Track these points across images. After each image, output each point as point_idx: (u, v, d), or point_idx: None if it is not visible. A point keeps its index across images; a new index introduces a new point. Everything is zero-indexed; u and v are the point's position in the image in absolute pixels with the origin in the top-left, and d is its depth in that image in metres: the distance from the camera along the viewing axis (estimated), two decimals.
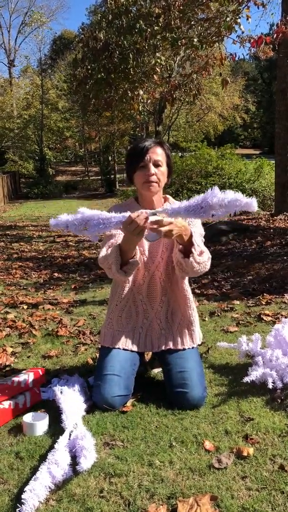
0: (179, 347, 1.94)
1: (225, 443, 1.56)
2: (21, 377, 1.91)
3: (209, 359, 2.32)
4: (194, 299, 2.05)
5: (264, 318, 2.96)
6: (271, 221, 7.68)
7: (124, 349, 1.93)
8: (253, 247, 5.81)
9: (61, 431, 1.61)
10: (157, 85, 7.75)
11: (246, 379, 1.93)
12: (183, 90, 7.43)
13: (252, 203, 1.50)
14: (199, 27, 6.18)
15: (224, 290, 3.80)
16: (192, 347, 1.96)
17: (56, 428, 1.67)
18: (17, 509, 1.27)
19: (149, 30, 6.27)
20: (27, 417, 1.70)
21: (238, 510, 1.25)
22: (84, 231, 1.70)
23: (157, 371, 2.15)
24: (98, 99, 8.25)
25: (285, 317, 2.83)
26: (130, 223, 1.64)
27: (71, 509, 1.28)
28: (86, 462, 1.41)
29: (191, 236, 1.74)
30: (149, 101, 7.94)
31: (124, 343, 1.95)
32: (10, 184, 22.09)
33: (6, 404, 1.78)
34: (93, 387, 1.88)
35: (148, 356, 2.14)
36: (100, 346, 2.05)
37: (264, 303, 3.31)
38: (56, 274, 5.04)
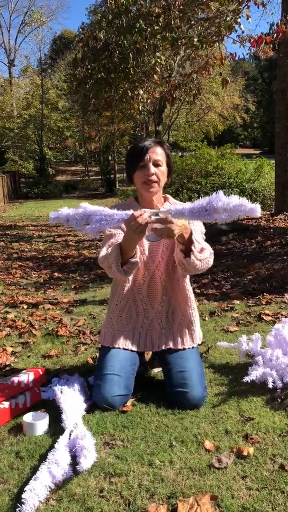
0: (179, 346, 1.94)
1: (225, 443, 1.56)
2: (21, 377, 1.91)
3: (209, 358, 2.32)
4: (194, 298, 2.05)
5: (264, 317, 2.96)
6: (271, 221, 7.68)
7: (124, 349, 1.93)
8: (253, 246, 5.81)
9: (61, 430, 1.61)
10: (157, 84, 7.75)
11: (246, 378, 1.93)
12: (183, 89, 7.43)
13: (256, 209, 1.50)
14: (199, 27, 6.18)
15: (224, 290, 3.80)
16: (192, 347, 1.96)
17: (56, 428, 1.67)
18: (17, 509, 1.27)
19: (149, 29, 6.27)
20: (27, 417, 1.70)
21: (238, 509, 1.25)
22: (85, 226, 1.67)
23: (157, 370, 2.15)
24: (98, 98, 8.25)
25: (285, 317, 2.83)
26: (132, 221, 1.64)
27: (71, 508, 1.28)
28: (86, 461, 1.41)
29: (191, 234, 1.74)
30: (149, 100, 7.94)
31: (124, 342, 1.95)
32: (10, 183, 22.09)
33: (6, 403, 1.78)
34: (93, 386, 1.88)
35: (148, 355, 2.14)
36: (100, 346, 2.05)
37: (264, 302, 3.31)
38: (56, 274, 5.04)
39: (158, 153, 1.87)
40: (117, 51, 6.92)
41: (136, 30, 6.36)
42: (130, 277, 1.93)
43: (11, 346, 2.64)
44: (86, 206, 1.69)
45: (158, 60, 6.60)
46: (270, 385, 1.90)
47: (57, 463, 1.40)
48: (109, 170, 24.26)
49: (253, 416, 1.72)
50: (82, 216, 1.67)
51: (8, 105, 23.26)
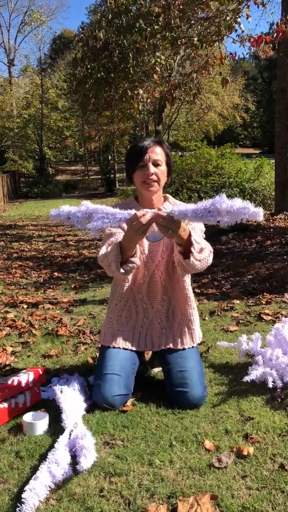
0: (179, 346, 1.94)
1: (225, 443, 1.56)
2: (21, 377, 1.91)
3: (209, 358, 2.32)
4: (194, 298, 2.05)
5: (264, 317, 2.96)
6: (271, 220, 7.68)
7: (124, 348, 1.93)
8: (253, 246, 5.81)
9: (61, 430, 1.61)
10: (157, 84, 7.74)
11: (246, 378, 1.93)
12: (183, 89, 7.43)
13: (259, 213, 1.50)
14: (199, 26, 6.18)
15: (224, 290, 3.80)
16: (192, 346, 1.96)
17: (56, 428, 1.67)
18: (17, 509, 1.27)
19: (149, 29, 6.27)
20: (27, 417, 1.70)
21: (238, 509, 1.25)
22: (87, 225, 1.65)
23: (157, 370, 2.15)
24: (98, 98, 8.24)
25: (285, 316, 2.83)
26: (135, 221, 1.63)
27: (71, 508, 1.28)
28: (86, 461, 1.41)
29: (189, 236, 1.73)
30: (149, 100, 7.94)
31: (124, 342, 1.95)
32: (10, 183, 22.09)
33: (6, 403, 1.78)
34: (93, 386, 1.88)
35: (148, 355, 2.14)
36: (100, 346, 2.05)
37: (264, 302, 3.31)
38: (56, 274, 5.04)
39: (157, 153, 1.87)
40: (117, 51, 6.92)
41: (136, 29, 6.36)
42: (130, 277, 1.93)
43: (11, 346, 2.64)
44: (88, 204, 1.68)
45: (158, 59, 6.60)
46: (270, 385, 1.90)
47: (57, 463, 1.40)
48: (109, 170, 24.25)
49: (253, 416, 1.72)
50: (84, 213, 1.65)
51: (8, 104, 23.26)
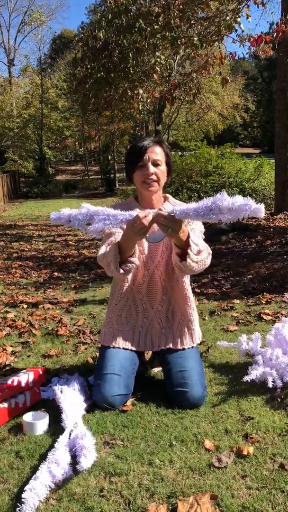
0: (179, 347, 1.94)
1: (225, 442, 1.56)
2: (21, 377, 1.91)
3: (209, 358, 2.32)
4: (194, 298, 2.05)
5: (264, 317, 2.96)
6: (271, 220, 7.68)
7: (124, 348, 1.93)
8: (253, 246, 5.81)
9: (61, 430, 1.61)
10: (157, 84, 7.73)
11: (246, 378, 1.93)
12: (183, 89, 7.43)
13: (261, 209, 1.50)
14: (199, 26, 6.18)
15: (224, 289, 3.80)
16: (192, 347, 1.96)
17: (56, 428, 1.67)
18: (17, 508, 1.27)
19: (148, 29, 6.26)
20: (27, 417, 1.70)
21: (238, 509, 1.25)
22: (88, 227, 1.65)
23: (157, 370, 2.15)
24: (97, 98, 8.24)
25: (285, 316, 2.83)
26: (137, 222, 1.63)
27: (71, 508, 1.28)
28: (86, 461, 1.41)
29: (188, 237, 1.73)
30: (148, 100, 7.93)
31: (124, 342, 1.95)
32: (10, 183, 22.08)
33: (6, 403, 1.78)
34: (93, 386, 1.88)
35: (148, 355, 2.14)
36: (100, 345, 2.06)
37: (264, 302, 3.31)
38: (56, 274, 5.04)
39: (157, 153, 1.87)
40: (117, 51, 6.91)
41: (136, 29, 6.35)
42: (130, 277, 1.93)
43: (11, 346, 2.64)
44: (89, 206, 1.67)
45: (158, 59, 6.60)
46: (270, 385, 1.90)
47: (57, 463, 1.40)
48: (109, 170, 24.24)
49: (253, 416, 1.72)
50: (85, 216, 1.65)
51: (7, 104, 23.25)
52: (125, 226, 1.71)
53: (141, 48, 6.67)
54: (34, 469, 1.43)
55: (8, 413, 1.77)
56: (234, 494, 1.30)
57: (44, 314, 3.31)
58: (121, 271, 1.77)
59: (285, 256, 4.90)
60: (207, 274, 4.31)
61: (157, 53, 6.78)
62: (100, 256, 1.84)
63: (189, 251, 1.71)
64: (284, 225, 7.12)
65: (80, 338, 2.75)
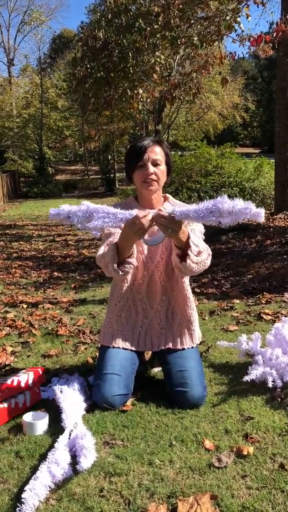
0: (179, 347, 1.94)
1: (225, 442, 1.56)
2: (21, 377, 1.90)
3: (209, 358, 2.32)
4: (194, 298, 2.05)
5: (264, 317, 2.96)
6: (271, 220, 7.67)
7: (123, 348, 1.93)
8: (253, 246, 5.81)
9: (61, 430, 1.61)
10: (157, 84, 7.73)
11: (246, 378, 1.93)
12: (182, 89, 7.43)
13: (261, 213, 1.50)
14: (199, 26, 6.17)
15: (224, 289, 3.80)
16: (192, 347, 1.96)
17: (56, 428, 1.67)
18: (17, 508, 1.27)
19: (148, 29, 6.26)
20: (27, 417, 1.70)
21: (238, 509, 1.25)
22: (88, 224, 1.64)
23: (157, 370, 2.15)
24: (97, 98, 8.24)
25: (285, 316, 2.83)
26: (135, 222, 1.63)
27: (71, 508, 1.28)
28: (86, 461, 1.41)
29: (188, 238, 1.73)
30: (148, 100, 7.93)
31: (124, 342, 1.95)
32: (10, 183, 22.08)
33: (6, 403, 1.78)
34: (93, 386, 1.88)
35: (148, 355, 2.14)
36: (99, 345, 2.05)
37: (264, 302, 3.31)
38: (55, 273, 5.04)
39: (157, 152, 1.87)
40: (117, 50, 6.91)
41: (136, 29, 6.35)
42: (129, 277, 1.93)
43: (11, 346, 2.64)
44: (89, 203, 1.67)
45: (158, 59, 6.59)
46: (270, 384, 1.90)
47: (57, 463, 1.40)
48: (108, 169, 24.24)
49: (253, 416, 1.72)
50: (85, 213, 1.64)
51: (7, 104, 23.25)
52: (122, 225, 1.71)
53: (140, 47, 6.67)
54: (34, 469, 1.43)
55: (8, 413, 1.77)
56: (234, 494, 1.30)
57: (44, 314, 3.31)
58: (119, 272, 1.77)
59: (285, 256, 4.90)
60: (207, 274, 4.31)
61: (157, 53, 6.77)
62: (99, 257, 1.84)
63: (189, 252, 1.71)
64: (284, 224, 7.12)
65: (80, 338, 2.75)
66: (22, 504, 1.27)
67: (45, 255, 6.50)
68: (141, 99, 7.19)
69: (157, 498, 1.31)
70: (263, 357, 2.06)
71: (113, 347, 1.93)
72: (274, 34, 5.28)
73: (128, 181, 2.02)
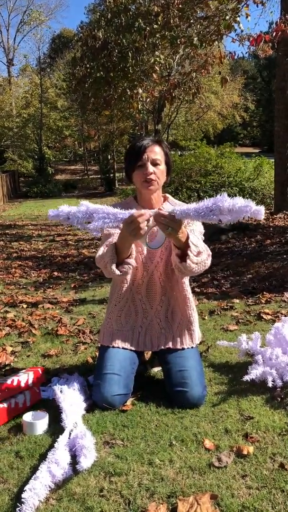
0: (179, 346, 1.93)
1: (225, 442, 1.56)
2: (21, 376, 1.90)
3: (209, 357, 2.32)
4: (194, 298, 2.05)
5: (264, 316, 2.96)
6: (271, 219, 7.68)
7: (123, 348, 1.93)
8: (252, 245, 5.81)
9: (61, 430, 1.61)
10: (156, 83, 7.74)
11: (246, 377, 1.93)
12: (182, 88, 7.44)
13: (261, 211, 1.50)
14: (198, 26, 6.17)
15: (224, 289, 3.80)
16: (192, 347, 1.96)
17: (56, 427, 1.67)
18: (17, 508, 1.27)
19: (148, 28, 6.26)
20: (27, 416, 1.70)
21: (238, 508, 1.25)
22: (88, 225, 1.63)
23: (156, 370, 2.15)
24: (97, 97, 8.25)
25: (285, 316, 2.83)
26: (131, 222, 1.63)
27: (71, 508, 1.28)
28: (86, 461, 1.41)
29: (187, 238, 1.73)
30: (148, 99, 7.93)
31: (124, 342, 1.95)
32: (10, 183, 22.08)
33: (6, 403, 1.78)
34: (92, 386, 1.88)
35: (147, 355, 2.14)
36: (99, 345, 2.05)
37: (263, 301, 3.31)
38: (55, 273, 5.04)
39: (156, 152, 1.86)
40: (116, 50, 6.92)
41: (135, 29, 6.36)
42: (129, 277, 1.93)
43: (11, 346, 2.64)
44: (88, 204, 1.66)
45: (157, 59, 6.60)
46: (270, 384, 1.90)
47: (57, 463, 1.40)
48: (108, 169, 24.24)
49: (253, 415, 1.72)
50: (84, 214, 1.63)
51: (7, 104, 23.26)
52: (121, 225, 1.71)
53: (140, 47, 6.67)
54: (34, 469, 1.43)
55: (8, 413, 1.77)
56: (234, 494, 1.30)
57: (44, 314, 3.31)
58: (118, 272, 1.77)
59: (284, 256, 4.90)
60: (207, 273, 4.30)
61: (156, 53, 6.78)
62: (98, 258, 1.84)
63: (188, 252, 1.71)
64: (283, 224, 7.12)
65: (80, 337, 2.75)
66: (22, 504, 1.27)
67: (45, 255, 6.50)
68: (141, 99, 7.19)
69: (157, 497, 1.31)
70: (263, 357, 2.06)
71: (113, 347, 1.93)
72: (274, 34, 5.28)
73: (128, 181, 2.01)
